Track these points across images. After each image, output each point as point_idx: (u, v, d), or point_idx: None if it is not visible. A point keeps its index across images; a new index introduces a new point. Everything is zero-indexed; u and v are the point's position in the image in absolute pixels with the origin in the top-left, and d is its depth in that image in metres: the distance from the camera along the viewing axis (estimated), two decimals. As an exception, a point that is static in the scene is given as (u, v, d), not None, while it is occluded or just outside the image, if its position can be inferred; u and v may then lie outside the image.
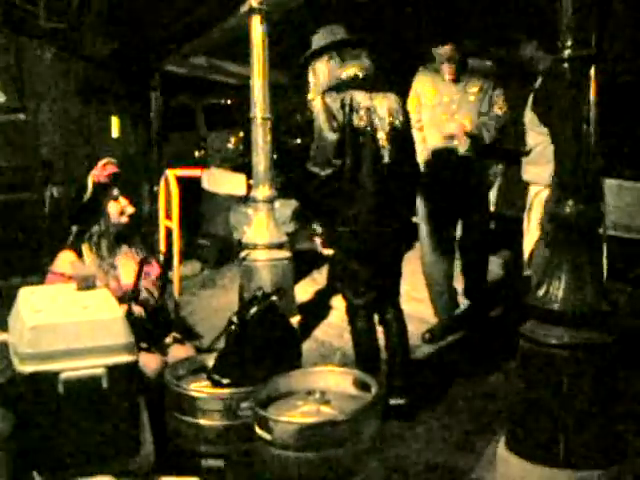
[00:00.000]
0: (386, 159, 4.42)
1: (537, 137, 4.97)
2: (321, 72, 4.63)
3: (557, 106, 3.07)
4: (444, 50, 5.56)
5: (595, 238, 3.02)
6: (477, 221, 5.89)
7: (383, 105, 4.46)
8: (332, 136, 4.37)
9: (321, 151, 4.44)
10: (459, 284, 6.10)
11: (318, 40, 4.63)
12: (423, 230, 5.90)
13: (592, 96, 2.94)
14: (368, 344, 4.62)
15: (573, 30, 2.90)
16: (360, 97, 4.41)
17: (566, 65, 2.93)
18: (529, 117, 5.07)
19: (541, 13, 4.10)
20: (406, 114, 4.63)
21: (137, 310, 4.18)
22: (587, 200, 2.93)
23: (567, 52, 2.91)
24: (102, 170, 4.47)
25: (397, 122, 4.48)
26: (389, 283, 4.74)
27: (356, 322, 4.64)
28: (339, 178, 4.42)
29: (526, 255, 5.29)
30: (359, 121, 4.38)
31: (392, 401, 4.50)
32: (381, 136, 4.41)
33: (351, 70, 4.48)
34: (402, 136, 4.51)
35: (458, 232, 5.97)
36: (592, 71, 2.94)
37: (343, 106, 4.36)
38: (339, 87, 4.45)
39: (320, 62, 4.62)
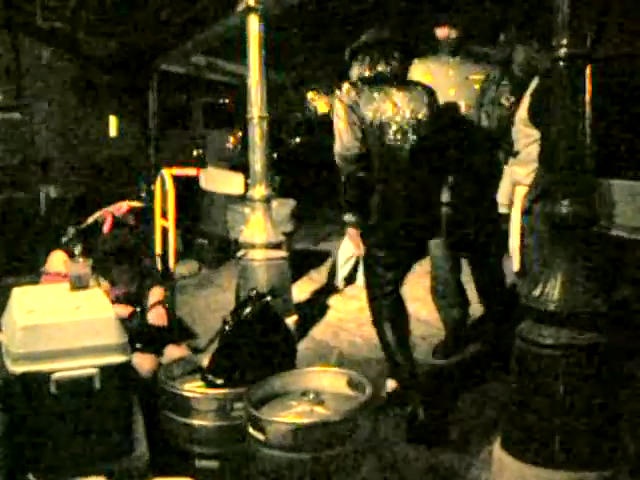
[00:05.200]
0: (405, 152, 4.41)
1: (527, 138, 4.87)
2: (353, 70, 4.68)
3: (553, 105, 3.05)
4: (441, 31, 5.40)
5: (591, 238, 2.99)
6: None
7: (403, 99, 4.46)
8: (349, 131, 4.39)
9: (343, 145, 4.43)
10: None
11: (360, 39, 4.69)
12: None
13: (588, 95, 2.92)
14: (394, 340, 4.46)
15: (569, 28, 2.88)
16: (376, 92, 4.43)
17: (562, 64, 2.91)
18: (523, 117, 4.97)
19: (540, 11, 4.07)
20: (434, 107, 4.58)
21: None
22: (583, 200, 2.92)
23: (563, 51, 2.89)
24: (121, 213, 4.52)
25: (420, 115, 4.47)
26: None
27: (380, 317, 4.54)
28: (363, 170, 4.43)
29: (513, 255, 5.18)
30: (374, 114, 4.39)
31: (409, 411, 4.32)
32: (399, 129, 4.42)
33: (378, 68, 4.54)
34: (427, 129, 4.47)
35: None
36: (588, 70, 2.92)
37: (357, 100, 4.39)
38: (355, 84, 4.50)
39: (355, 60, 4.68)
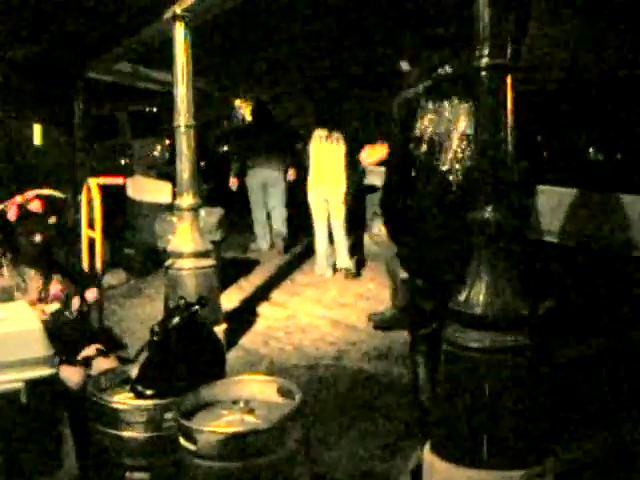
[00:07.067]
0: (452, 175, 3.60)
1: None
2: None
3: (476, 114, 3.11)
4: None
5: (514, 243, 3.06)
6: None
7: (462, 109, 3.62)
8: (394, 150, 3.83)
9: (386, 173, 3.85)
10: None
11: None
12: None
13: (509, 104, 2.99)
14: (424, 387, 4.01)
15: (490, 39, 2.94)
16: (431, 101, 3.68)
17: (483, 73, 2.97)
18: None
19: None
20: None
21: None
22: (505, 205, 2.98)
23: (484, 61, 2.95)
24: (27, 201, 4.33)
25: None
26: None
27: (415, 357, 4.07)
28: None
29: None
30: (422, 128, 3.66)
31: None
32: (450, 147, 3.60)
33: (438, 70, 3.75)
34: None
35: None
36: (509, 79, 2.98)
37: (408, 113, 3.73)
38: (408, 93, 3.84)
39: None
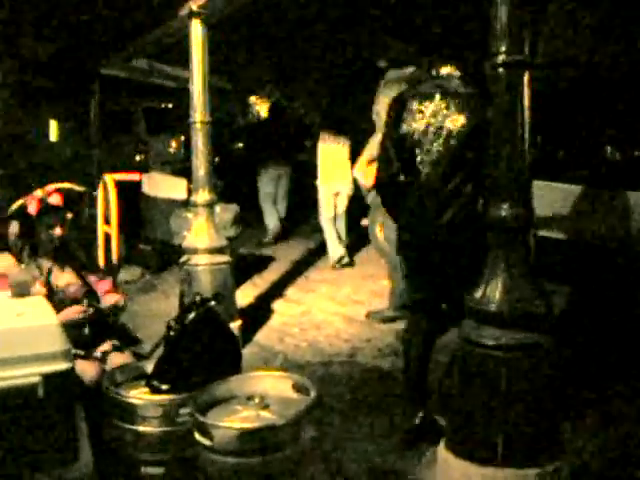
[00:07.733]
0: (424, 170, 3.86)
1: None
2: None
3: (493, 111, 3.10)
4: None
5: (529, 239, 3.05)
6: None
7: (438, 108, 3.82)
8: (384, 153, 4.06)
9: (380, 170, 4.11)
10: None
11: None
12: None
13: (527, 101, 2.98)
14: (415, 369, 4.18)
15: (507, 35, 2.94)
16: (416, 101, 3.90)
17: (501, 70, 2.97)
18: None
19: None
20: (477, 116, 3.74)
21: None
22: (521, 202, 2.97)
23: (501, 57, 2.95)
24: (47, 195, 4.34)
25: (455, 125, 3.78)
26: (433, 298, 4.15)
27: (408, 337, 4.23)
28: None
29: None
30: (406, 126, 3.90)
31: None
32: (426, 142, 3.85)
33: (432, 71, 3.97)
34: (462, 142, 3.78)
35: None
36: (526, 76, 2.98)
37: (397, 113, 3.97)
38: (401, 95, 4.05)
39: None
